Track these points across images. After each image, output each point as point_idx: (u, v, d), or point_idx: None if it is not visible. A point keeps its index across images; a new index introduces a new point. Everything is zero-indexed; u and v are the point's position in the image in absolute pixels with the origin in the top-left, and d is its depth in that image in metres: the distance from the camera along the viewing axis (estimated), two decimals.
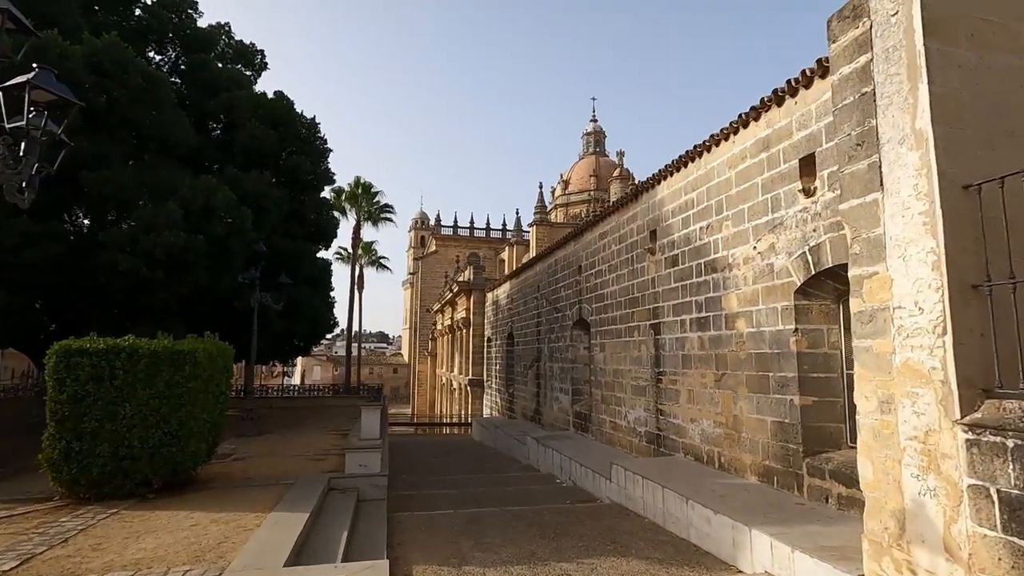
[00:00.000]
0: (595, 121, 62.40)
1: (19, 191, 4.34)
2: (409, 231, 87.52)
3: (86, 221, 12.17)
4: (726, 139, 7.84)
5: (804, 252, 6.27)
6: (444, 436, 25.80)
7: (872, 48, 4.17)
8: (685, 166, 8.91)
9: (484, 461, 14.45)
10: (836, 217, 5.82)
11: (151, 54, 14.92)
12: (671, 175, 9.35)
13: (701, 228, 8.40)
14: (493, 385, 24.67)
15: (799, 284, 6.35)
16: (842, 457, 5.91)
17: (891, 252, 3.92)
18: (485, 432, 18.86)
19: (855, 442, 6.22)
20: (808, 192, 6.23)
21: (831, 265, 5.89)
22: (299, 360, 65.00)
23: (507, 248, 49.80)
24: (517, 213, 50.34)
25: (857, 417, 4.22)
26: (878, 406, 4.00)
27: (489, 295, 26.18)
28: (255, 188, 13.18)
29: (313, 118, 15.82)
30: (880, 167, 4.05)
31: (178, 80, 15.34)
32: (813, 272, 6.14)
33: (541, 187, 45.12)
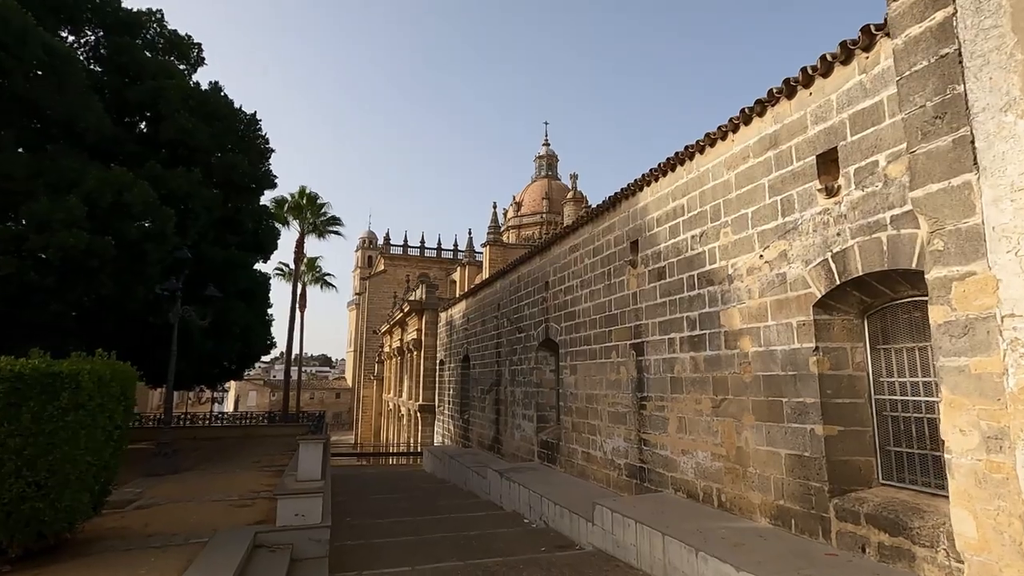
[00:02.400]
0: (548, 145, 62.81)
1: None
2: (356, 251, 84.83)
3: None
4: (723, 138, 7.10)
5: (826, 259, 5.49)
6: (392, 467, 23.95)
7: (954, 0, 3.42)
8: (673, 170, 8.13)
9: (439, 497, 13.01)
10: (866, 218, 5.08)
11: (64, 34, 13.06)
12: (656, 180, 8.56)
13: (693, 237, 7.59)
14: (446, 411, 23.16)
15: (819, 296, 5.55)
16: (878, 498, 5.05)
17: (995, 246, 3.08)
18: (438, 463, 17.36)
19: (887, 479, 5.43)
20: (830, 191, 5.48)
21: (861, 274, 5.11)
22: (232, 385, 60.77)
23: (459, 268, 48.52)
24: (469, 233, 49.18)
25: (947, 456, 3.32)
26: (982, 443, 3.10)
27: (443, 315, 24.81)
28: (181, 187, 11.50)
29: (254, 114, 14.23)
30: (973, 142, 3.25)
31: (98, 68, 13.51)
32: (838, 282, 5.36)
33: (495, 207, 44.40)
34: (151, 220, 10.26)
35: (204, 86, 14.35)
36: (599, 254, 10.27)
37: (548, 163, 60.76)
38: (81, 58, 12.91)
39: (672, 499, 7.46)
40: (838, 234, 5.39)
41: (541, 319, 12.91)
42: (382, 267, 56.76)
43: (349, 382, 76.36)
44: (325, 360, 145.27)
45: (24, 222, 9.08)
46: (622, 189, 9.41)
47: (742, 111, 6.66)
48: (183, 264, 11.16)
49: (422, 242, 58.72)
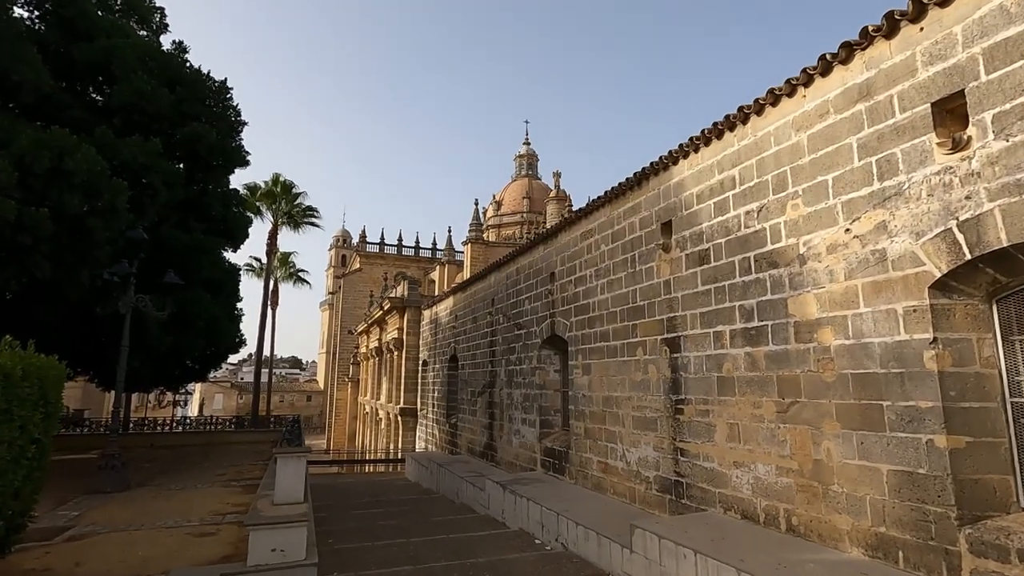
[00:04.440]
0: (528, 144, 61.98)
1: None
2: (329, 249, 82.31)
3: None
4: (791, 95, 6.02)
5: (949, 229, 4.43)
6: (371, 476, 22.39)
7: None
8: (720, 137, 7.03)
9: (431, 512, 11.65)
10: (1012, 175, 4.02)
11: None
12: (695, 151, 7.46)
13: (748, 213, 6.49)
14: (430, 415, 21.75)
15: (938, 276, 4.48)
16: None
17: None
18: (423, 471, 15.98)
19: None
20: (955, 145, 4.42)
21: (1005, 245, 4.06)
22: (196, 387, 57.90)
23: (438, 267, 47.10)
24: (449, 231, 47.96)
25: None
26: None
27: (426, 313, 23.41)
28: (136, 157, 9.92)
29: (223, 82, 12.63)
30: None
31: (40, 23, 11.80)
32: (968, 256, 4.29)
33: (477, 204, 43.20)
34: (98, 192, 8.70)
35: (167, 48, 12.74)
36: (619, 239, 9.13)
37: (528, 162, 59.93)
38: (20, 11, 11.23)
39: (724, 521, 6.33)
40: (967, 197, 4.33)
41: (545, 314, 11.71)
42: (357, 265, 54.87)
43: (321, 384, 73.88)
44: (295, 362, 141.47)
45: None
46: (651, 164, 8.28)
47: (821, 59, 5.58)
48: (138, 246, 9.61)
49: (399, 240, 57.08)
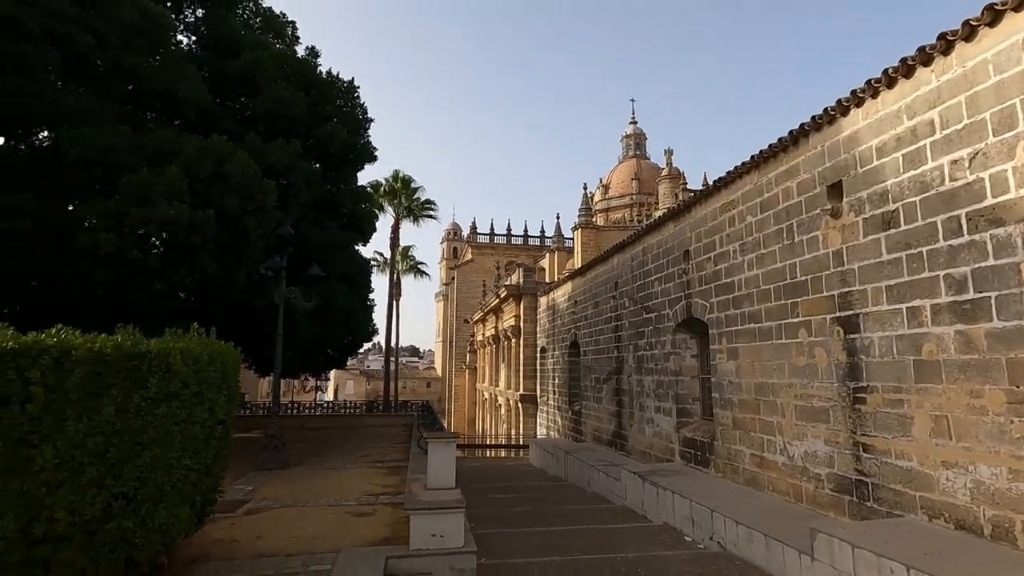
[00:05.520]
0: (635, 123, 59.69)
1: None
2: (441, 243, 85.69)
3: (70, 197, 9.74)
4: (1016, 9, 4.82)
5: None
6: (495, 461, 22.83)
7: None
8: (908, 75, 5.89)
9: (563, 500, 11.43)
10: None
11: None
12: (874, 96, 6.34)
13: (955, 162, 5.36)
14: (551, 401, 21.65)
15: None
16: None
17: None
18: (549, 458, 15.85)
19: None
20: None
21: None
22: (331, 373, 63.25)
23: (547, 255, 46.90)
24: (558, 218, 47.75)
25: None
26: None
27: (542, 299, 23.27)
28: (280, 160, 10.64)
29: (351, 81, 13.28)
30: None
31: (196, 46, 13.07)
32: None
33: (585, 188, 42.21)
34: (251, 193, 9.39)
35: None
36: (770, 208, 8.15)
37: (636, 142, 57.73)
38: (181, 38, 12.48)
39: (931, 530, 5.34)
40: None
41: (679, 295, 10.92)
42: (469, 256, 56.42)
43: (439, 372, 77.40)
44: (413, 351, 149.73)
45: (124, 196, 8.41)
46: (812, 119, 7.23)
47: None
48: (286, 242, 10.30)
49: (508, 230, 57.77)
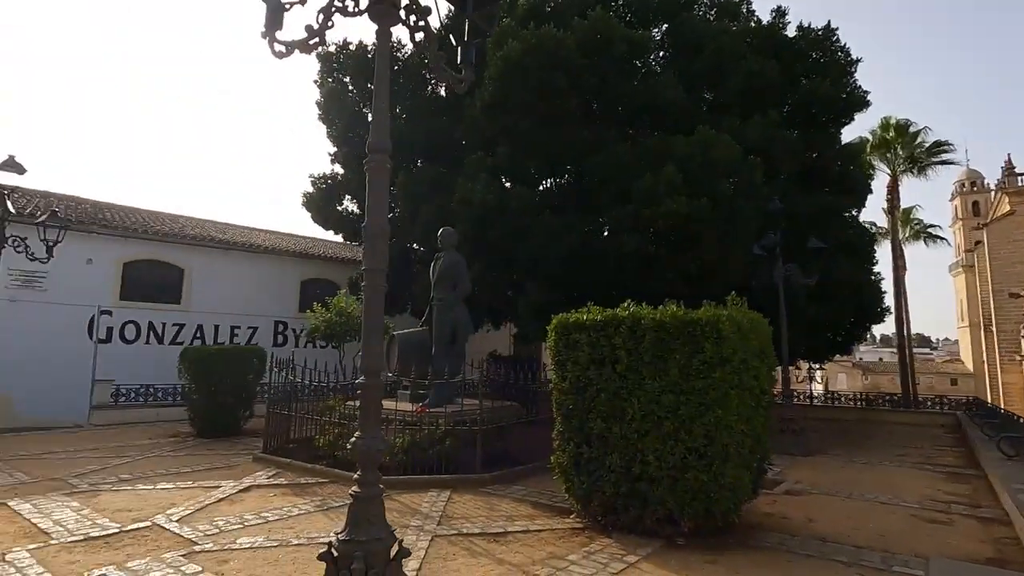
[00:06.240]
0: None
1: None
2: (951, 199, 66.24)
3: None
4: None
5: None
6: None
7: None
8: None
9: None
10: None
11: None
12: None
13: None
14: None
15: None
16: None
17: None
18: None
19: None
20: None
21: None
22: (823, 367, 57.78)
23: None
24: None
25: None
26: None
27: None
28: (758, 135, 10.26)
29: (827, 25, 11.65)
30: None
31: (666, 53, 14.28)
32: None
33: None
34: (738, 174, 9.36)
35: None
36: None
37: None
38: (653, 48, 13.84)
39: None
40: None
41: None
42: (1007, 207, 41.35)
43: (968, 365, 59.50)
44: (923, 340, 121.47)
45: (636, 200, 9.76)
46: None
47: None
48: (776, 218, 9.80)
49: None
